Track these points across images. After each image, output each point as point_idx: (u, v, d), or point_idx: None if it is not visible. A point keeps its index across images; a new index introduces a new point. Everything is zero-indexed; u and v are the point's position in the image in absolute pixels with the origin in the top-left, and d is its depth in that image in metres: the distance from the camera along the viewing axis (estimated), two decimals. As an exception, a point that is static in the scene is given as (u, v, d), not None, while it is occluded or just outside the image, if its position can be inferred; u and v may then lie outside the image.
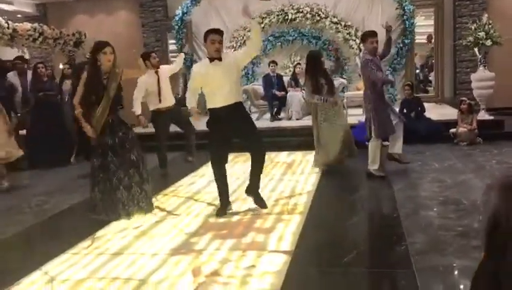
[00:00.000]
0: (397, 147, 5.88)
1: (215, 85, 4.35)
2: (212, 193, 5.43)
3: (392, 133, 5.65)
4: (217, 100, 4.39)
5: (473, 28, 8.38)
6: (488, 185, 1.21)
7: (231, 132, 4.48)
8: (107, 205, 4.57)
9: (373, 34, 5.67)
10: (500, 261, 1.09)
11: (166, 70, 6.57)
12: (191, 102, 4.57)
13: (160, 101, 6.33)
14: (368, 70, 5.47)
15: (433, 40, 11.25)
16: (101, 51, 4.50)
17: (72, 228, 4.59)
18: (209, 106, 4.47)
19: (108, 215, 4.56)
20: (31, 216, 5.13)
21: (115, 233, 4.28)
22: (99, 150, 4.56)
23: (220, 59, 4.38)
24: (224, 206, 4.61)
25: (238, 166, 6.61)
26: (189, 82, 4.67)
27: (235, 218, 4.50)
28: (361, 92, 9.69)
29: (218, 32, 4.43)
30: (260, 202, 4.65)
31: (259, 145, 4.51)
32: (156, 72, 6.35)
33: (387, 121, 5.54)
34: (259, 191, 4.70)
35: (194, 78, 4.53)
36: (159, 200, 5.24)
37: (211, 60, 4.39)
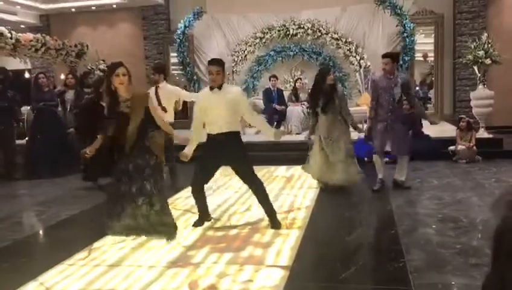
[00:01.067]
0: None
1: (214, 112, 4.42)
2: (210, 205, 5.41)
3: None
4: (214, 127, 4.44)
5: (472, 46, 8.46)
6: (497, 199, 1.22)
7: (222, 160, 4.51)
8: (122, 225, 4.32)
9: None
10: (506, 275, 1.09)
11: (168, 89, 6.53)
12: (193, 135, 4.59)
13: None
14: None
15: (428, 58, 11.36)
16: (114, 74, 4.23)
17: (69, 239, 4.56)
18: (207, 131, 4.53)
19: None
20: (28, 226, 5.11)
21: (112, 244, 4.25)
22: (116, 174, 4.35)
23: (219, 88, 4.45)
24: (201, 219, 4.70)
25: (237, 179, 6.59)
26: (194, 116, 4.66)
27: (233, 232, 4.49)
28: (361, 108, 9.84)
29: (215, 63, 4.49)
30: (274, 225, 4.58)
31: (253, 179, 4.57)
32: (156, 88, 6.38)
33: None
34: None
35: (196, 110, 4.59)
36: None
37: (211, 88, 4.47)
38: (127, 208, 4.23)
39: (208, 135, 4.50)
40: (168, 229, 4.28)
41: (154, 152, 4.31)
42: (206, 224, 4.74)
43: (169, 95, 6.36)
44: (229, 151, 4.43)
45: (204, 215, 4.75)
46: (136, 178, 4.23)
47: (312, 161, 6.05)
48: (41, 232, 4.94)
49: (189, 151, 4.52)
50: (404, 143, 5.78)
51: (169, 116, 6.42)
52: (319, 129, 5.93)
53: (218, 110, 4.39)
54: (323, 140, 5.85)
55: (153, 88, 6.36)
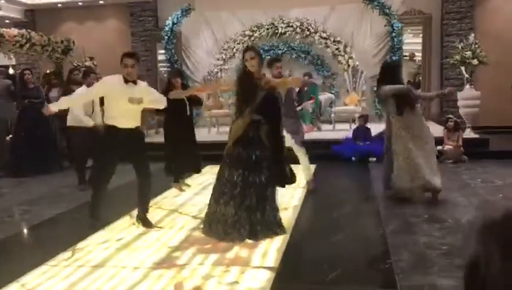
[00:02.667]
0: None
1: (123, 105, 4.40)
2: (197, 205, 5.38)
3: None
4: (120, 120, 4.45)
5: (460, 47, 8.50)
6: (468, 225, 1.14)
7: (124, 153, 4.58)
8: (238, 223, 4.16)
9: None
10: None
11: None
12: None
13: None
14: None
15: (415, 58, 11.41)
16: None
17: (53, 239, 4.49)
18: (109, 122, 4.51)
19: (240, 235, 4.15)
20: (12, 225, 5.02)
21: (97, 245, 4.19)
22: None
23: (134, 82, 4.46)
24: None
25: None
26: (92, 89, 4.76)
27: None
28: (349, 107, 9.86)
29: (131, 56, 4.50)
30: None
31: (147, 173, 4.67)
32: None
33: None
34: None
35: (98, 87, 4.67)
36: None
37: (126, 80, 4.43)
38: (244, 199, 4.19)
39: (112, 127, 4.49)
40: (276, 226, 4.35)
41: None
42: (193, 225, 4.70)
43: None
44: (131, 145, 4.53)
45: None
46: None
47: None
48: (24, 231, 4.86)
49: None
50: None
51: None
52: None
53: (127, 104, 4.43)
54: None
55: None
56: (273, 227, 4.26)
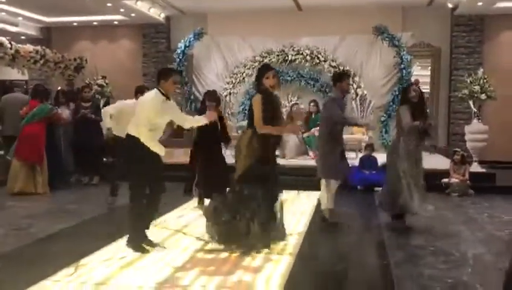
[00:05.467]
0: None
1: (156, 121, 4.44)
2: (201, 226, 5.37)
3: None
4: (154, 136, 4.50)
5: (468, 81, 8.57)
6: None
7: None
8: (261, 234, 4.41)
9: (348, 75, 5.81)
10: None
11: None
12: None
13: None
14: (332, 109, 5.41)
15: (419, 85, 11.45)
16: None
17: (57, 254, 4.47)
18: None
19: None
20: (16, 239, 5.02)
21: (100, 262, 4.19)
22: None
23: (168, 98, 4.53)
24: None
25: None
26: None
27: (223, 255, 4.43)
28: (356, 135, 9.90)
29: (181, 74, 4.70)
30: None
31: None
32: None
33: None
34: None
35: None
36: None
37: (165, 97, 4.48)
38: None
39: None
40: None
41: None
42: (197, 246, 4.69)
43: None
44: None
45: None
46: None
47: None
48: (28, 245, 4.85)
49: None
50: None
51: None
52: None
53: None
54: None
55: None
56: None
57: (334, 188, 5.53)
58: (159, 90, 4.44)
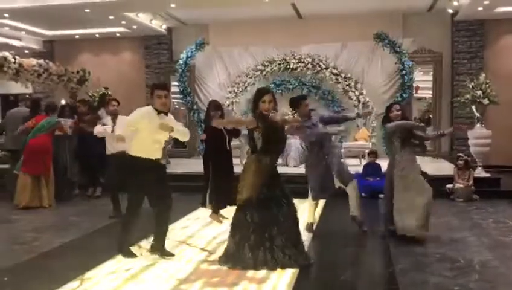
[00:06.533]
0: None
1: (152, 136, 4.50)
2: (205, 237, 5.38)
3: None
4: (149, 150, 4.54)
5: (470, 86, 8.55)
6: None
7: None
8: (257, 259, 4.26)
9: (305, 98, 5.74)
10: None
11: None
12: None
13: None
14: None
15: (419, 91, 11.48)
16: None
17: (62, 267, 4.48)
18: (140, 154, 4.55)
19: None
20: (21, 252, 5.02)
21: (105, 275, 4.18)
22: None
23: (165, 114, 4.57)
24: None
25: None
26: (130, 120, 4.66)
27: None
28: (359, 142, 9.90)
29: (162, 87, 4.64)
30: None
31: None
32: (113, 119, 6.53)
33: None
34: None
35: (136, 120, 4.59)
36: (150, 243, 5.15)
37: (158, 112, 4.53)
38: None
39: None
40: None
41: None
42: (201, 257, 4.68)
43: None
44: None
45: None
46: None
47: None
48: (32, 259, 4.85)
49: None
50: None
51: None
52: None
53: (158, 135, 4.55)
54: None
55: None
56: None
57: (313, 203, 5.64)
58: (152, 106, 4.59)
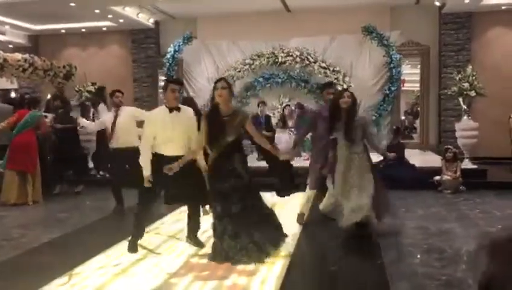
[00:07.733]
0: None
1: (169, 133, 4.48)
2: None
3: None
4: (168, 148, 4.48)
5: (457, 78, 8.62)
6: (478, 246, 1.12)
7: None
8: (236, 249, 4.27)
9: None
10: None
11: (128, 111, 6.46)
12: (145, 156, 4.49)
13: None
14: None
15: (405, 84, 11.55)
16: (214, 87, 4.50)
17: (50, 263, 4.45)
18: (158, 151, 4.51)
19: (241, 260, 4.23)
20: (8, 249, 4.97)
21: (94, 270, 4.16)
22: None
23: (178, 109, 4.55)
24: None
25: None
26: (145, 129, 4.62)
27: (218, 259, 4.41)
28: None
29: (179, 83, 4.76)
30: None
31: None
32: (116, 111, 6.40)
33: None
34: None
35: (149, 125, 4.58)
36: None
37: (171, 109, 4.52)
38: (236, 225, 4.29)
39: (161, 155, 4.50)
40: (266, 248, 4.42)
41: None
42: (191, 251, 4.67)
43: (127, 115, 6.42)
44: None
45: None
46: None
47: None
48: (20, 255, 4.81)
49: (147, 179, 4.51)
50: None
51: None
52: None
53: (175, 131, 4.51)
54: None
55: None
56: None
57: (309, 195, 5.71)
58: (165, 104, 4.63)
